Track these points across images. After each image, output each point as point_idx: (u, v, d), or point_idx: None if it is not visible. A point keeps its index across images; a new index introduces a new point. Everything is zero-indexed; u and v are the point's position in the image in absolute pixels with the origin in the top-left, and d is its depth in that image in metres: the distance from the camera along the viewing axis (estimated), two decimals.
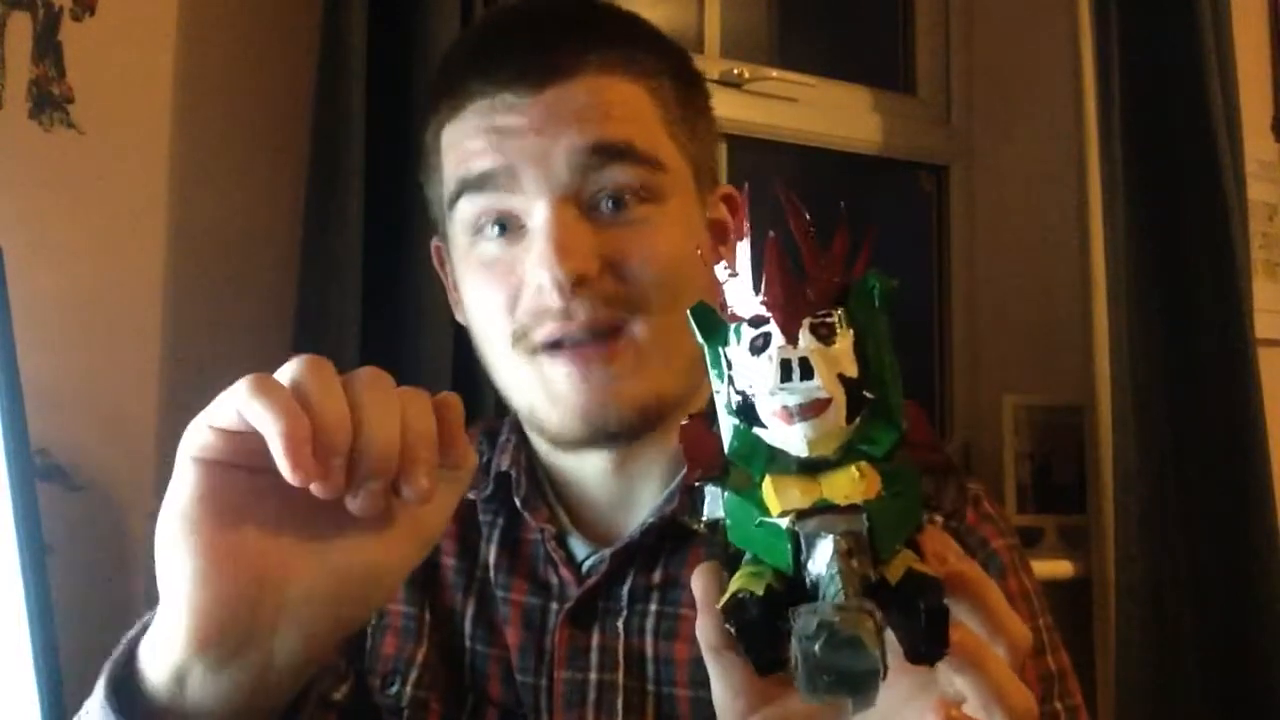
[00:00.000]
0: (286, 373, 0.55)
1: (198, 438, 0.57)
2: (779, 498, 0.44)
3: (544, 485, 0.87)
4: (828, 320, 0.43)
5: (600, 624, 0.82)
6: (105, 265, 1.25)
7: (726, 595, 0.45)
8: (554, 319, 0.77)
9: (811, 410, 0.42)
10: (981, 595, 0.49)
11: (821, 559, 0.43)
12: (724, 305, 0.46)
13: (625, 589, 0.82)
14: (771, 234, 0.44)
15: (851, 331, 0.43)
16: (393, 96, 1.27)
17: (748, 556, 0.46)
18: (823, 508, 0.43)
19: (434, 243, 0.92)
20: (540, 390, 0.80)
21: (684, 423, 0.49)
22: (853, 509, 0.43)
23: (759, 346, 0.43)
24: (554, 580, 0.84)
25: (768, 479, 0.44)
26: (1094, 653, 1.72)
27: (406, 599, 0.86)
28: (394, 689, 0.83)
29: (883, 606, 0.42)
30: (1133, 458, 1.70)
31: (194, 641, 0.55)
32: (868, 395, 0.43)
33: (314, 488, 0.52)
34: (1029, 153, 2.00)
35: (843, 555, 0.42)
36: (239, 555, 0.55)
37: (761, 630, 0.43)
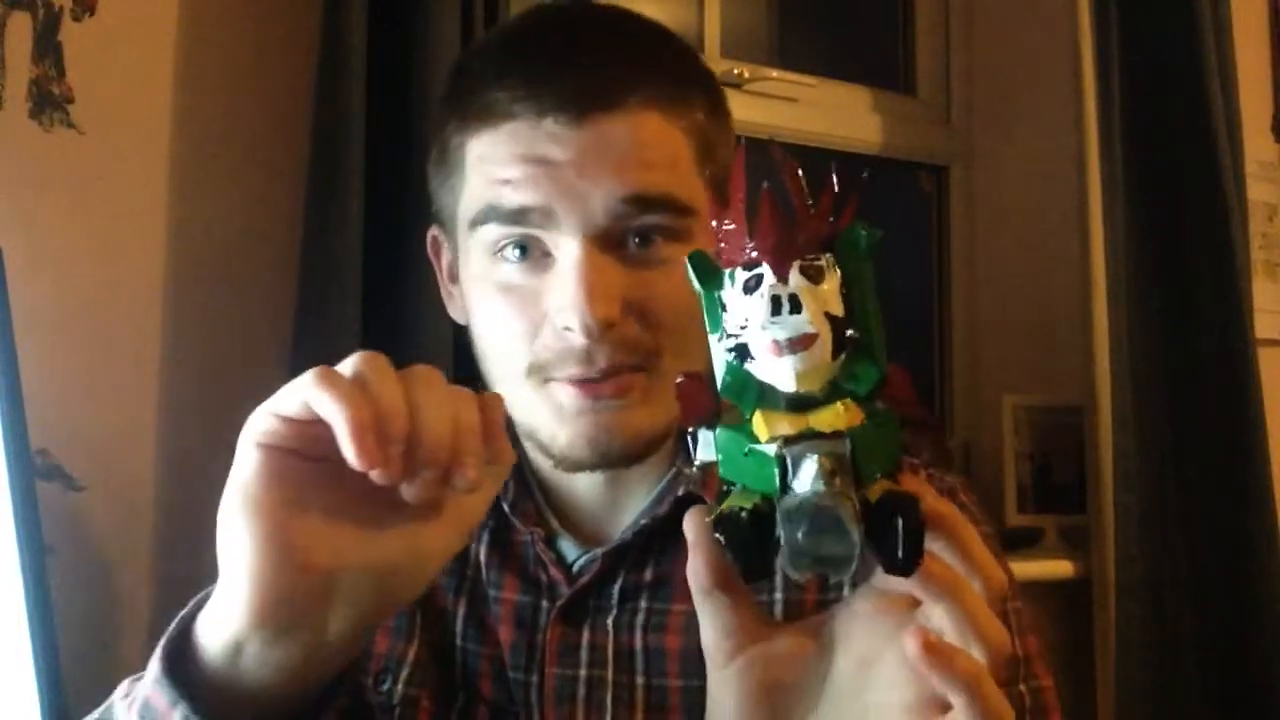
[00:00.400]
0: (349, 366, 0.58)
1: (261, 424, 0.59)
2: (768, 428, 0.47)
3: (532, 488, 0.88)
4: (816, 263, 0.46)
5: (591, 622, 0.83)
6: (105, 266, 1.25)
7: (716, 513, 0.48)
8: (576, 363, 0.77)
9: (800, 344, 0.45)
10: (958, 533, 0.51)
11: (806, 478, 0.46)
12: (720, 254, 0.49)
13: (616, 588, 0.83)
14: (765, 184, 0.47)
15: (838, 274, 0.47)
16: (393, 96, 1.27)
17: (736, 487, 0.49)
18: (809, 435, 0.46)
19: (431, 231, 0.91)
20: (548, 412, 0.80)
21: (679, 379, 0.51)
22: (836, 435, 0.46)
23: (751, 286, 0.46)
24: (544, 579, 0.85)
25: (757, 413, 0.47)
26: (1094, 653, 1.72)
27: None
28: (385, 686, 0.84)
29: (863, 523, 0.45)
30: (1133, 458, 1.70)
31: (254, 614, 0.57)
32: (852, 335, 0.46)
33: (374, 474, 0.55)
34: (1029, 153, 2.00)
35: (826, 473, 0.45)
36: (299, 535, 0.57)
37: (749, 538, 0.47)
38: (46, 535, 0.97)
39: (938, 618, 0.51)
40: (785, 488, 0.46)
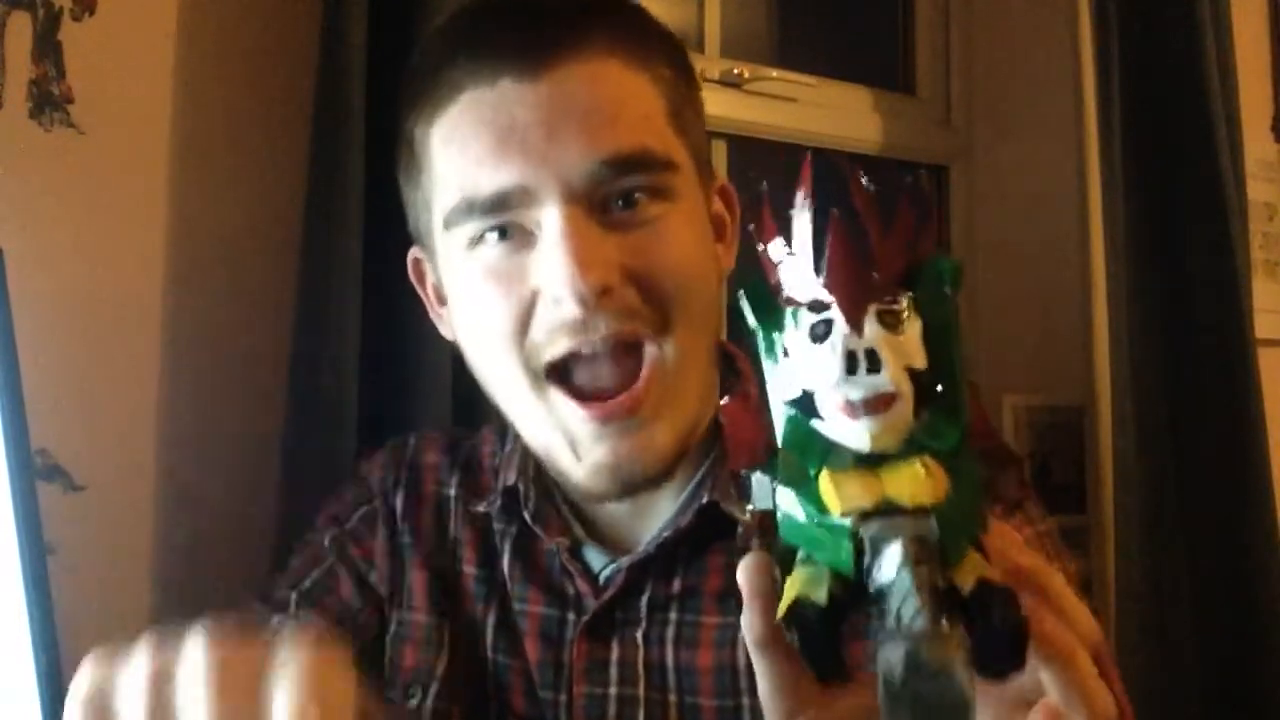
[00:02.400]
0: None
1: None
2: (839, 496, 0.41)
3: (555, 495, 0.84)
4: (895, 307, 0.41)
5: (619, 636, 0.79)
6: (105, 265, 1.25)
7: (786, 602, 0.42)
8: (570, 334, 0.73)
9: (878, 405, 0.40)
10: (1048, 589, 0.47)
11: (890, 566, 0.40)
12: (779, 286, 0.43)
13: (644, 600, 0.79)
14: (835, 211, 0.42)
15: (919, 320, 0.41)
16: (393, 96, 1.27)
17: (801, 554, 0.43)
18: (888, 509, 0.40)
19: (411, 255, 0.87)
20: (559, 435, 0.75)
21: (725, 402, 0.45)
22: (920, 512, 0.40)
23: (820, 334, 0.41)
24: (571, 591, 0.81)
25: (825, 473, 0.41)
26: None
27: (427, 609, 0.84)
28: (414, 700, 0.81)
29: (956, 617, 0.40)
30: (1133, 458, 1.70)
31: None
32: (936, 388, 0.41)
33: None
34: (1029, 153, 2.00)
35: (914, 564, 0.40)
36: None
37: (825, 640, 0.41)
38: (46, 535, 0.97)
39: (1044, 676, 0.46)
40: (861, 568, 0.41)
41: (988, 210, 2.07)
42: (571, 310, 0.72)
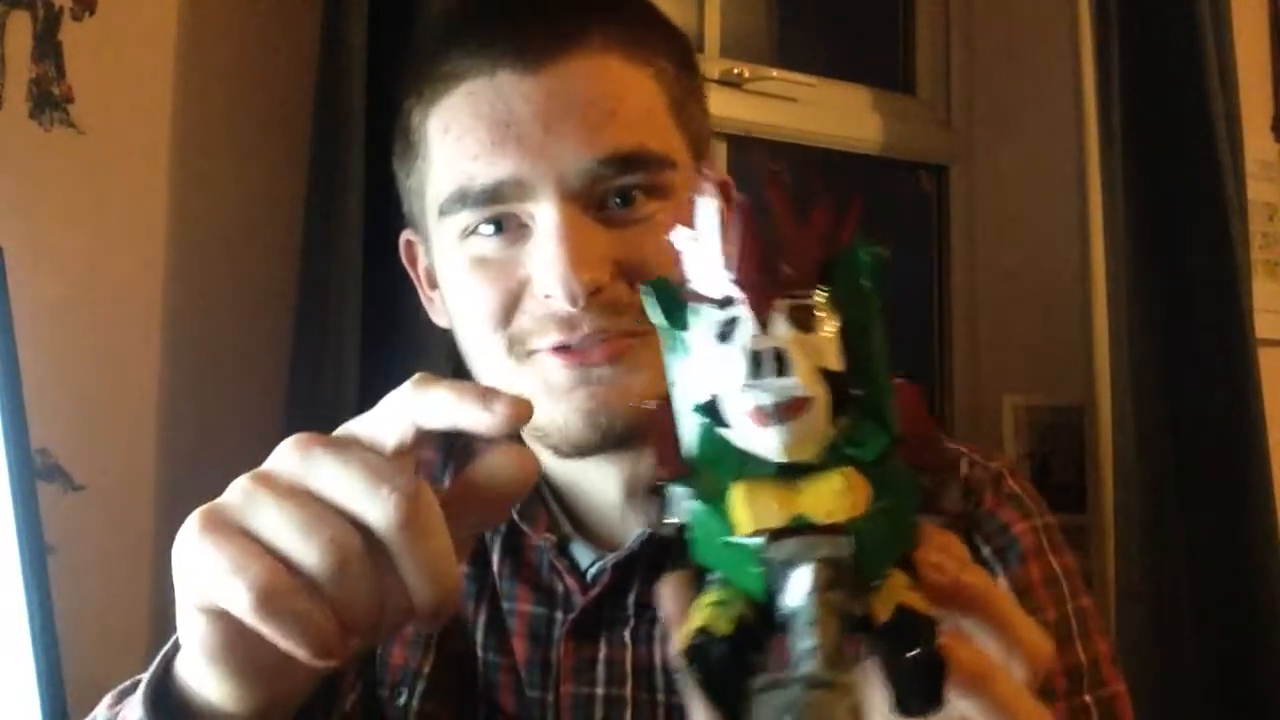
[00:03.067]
0: (305, 557, 0.47)
1: (198, 594, 0.50)
2: (750, 512, 0.37)
3: (542, 489, 0.83)
4: (807, 303, 0.37)
5: (607, 635, 0.78)
6: (105, 265, 1.25)
7: (687, 631, 0.38)
8: (559, 328, 0.72)
9: (788, 411, 0.36)
10: (989, 607, 0.43)
11: (797, 592, 0.36)
12: (685, 280, 0.40)
13: (632, 598, 0.78)
14: (742, 196, 0.38)
15: (835, 318, 0.38)
16: (393, 97, 1.27)
17: (714, 575, 0.39)
18: (800, 527, 0.37)
19: (404, 236, 0.86)
20: (540, 392, 0.74)
21: (652, 406, 0.42)
22: (835, 529, 0.37)
23: (726, 333, 0.37)
24: (559, 588, 0.80)
25: (737, 487, 0.38)
26: None
27: None
28: (401, 700, 0.80)
29: (868, 648, 0.37)
30: (1133, 458, 1.70)
31: (226, 708, 0.53)
32: (855, 392, 0.37)
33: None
34: (1029, 153, 2.00)
35: (820, 591, 0.36)
36: (263, 673, 0.51)
37: (728, 676, 0.37)
38: (46, 535, 0.97)
39: (965, 705, 0.42)
40: (771, 596, 0.37)
41: (988, 210, 2.07)
42: (562, 307, 0.72)
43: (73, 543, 1.15)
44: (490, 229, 0.74)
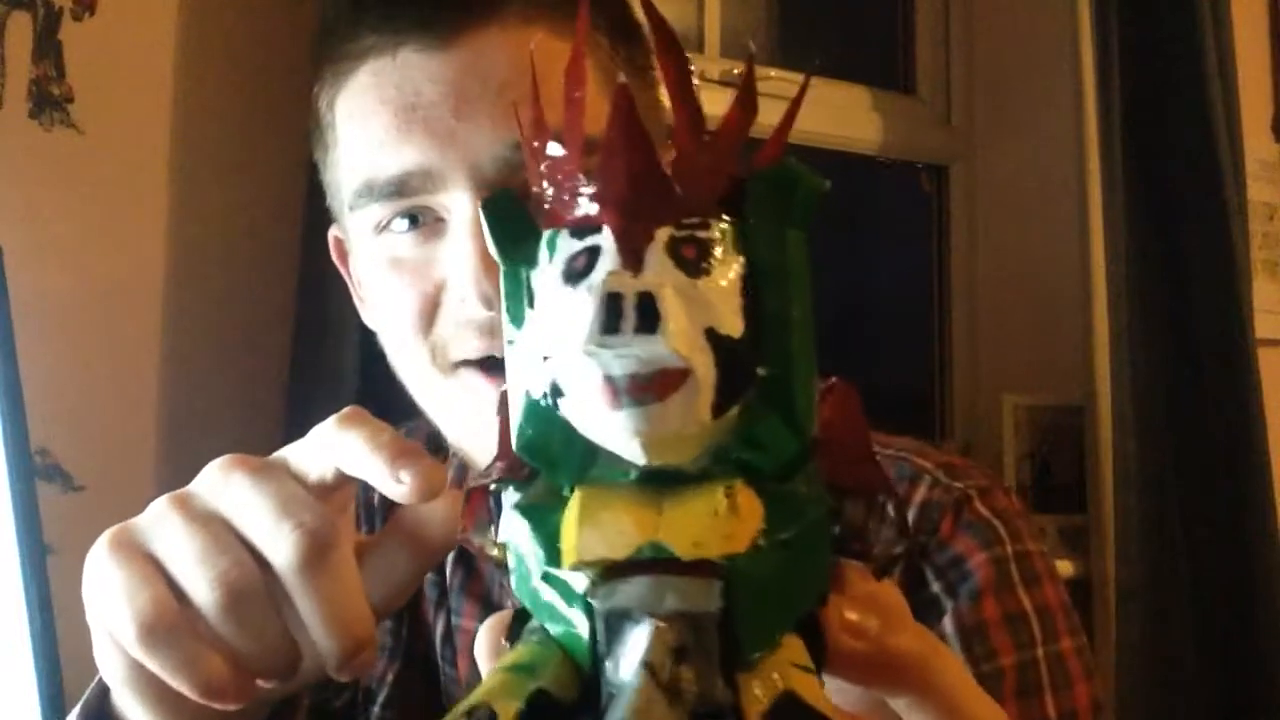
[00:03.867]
0: (195, 590, 0.44)
1: (106, 627, 0.46)
2: (581, 534, 0.25)
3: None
4: (701, 234, 0.26)
5: None
6: (105, 265, 1.25)
7: (460, 707, 0.26)
8: (481, 335, 0.65)
9: (651, 388, 0.25)
10: (927, 684, 0.32)
11: (630, 660, 0.24)
12: (539, 201, 0.28)
13: None
14: (621, 78, 0.29)
15: (741, 259, 0.26)
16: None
17: (531, 623, 0.28)
18: (653, 560, 0.25)
19: (331, 233, 0.79)
20: (471, 414, 0.66)
21: (502, 390, 0.30)
22: (703, 568, 0.25)
23: (579, 271, 0.26)
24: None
25: (576, 495, 0.26)
26: (1094, 653, 1.72)
27: None
28: (365, 706, 0.77)
29: None
30: (1133, 458, 1.70)
31: None
32: (758, 371, 0.26)
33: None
34: (1029, 153, 2.00)
35: (658, 664, 0.24)
36: (185, 708, 0.47)
37: None
38: (46, 535, 0.97)
39: None
40: (598, 662, 0.25)
41: (988, 210, 2.07)
42: (476, 309, 0.63)
43: (73, 543, 1.15)
44: (404, 224, 0.66)
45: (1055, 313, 1.92)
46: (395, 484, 0.44)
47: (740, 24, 1.95)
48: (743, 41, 1.93)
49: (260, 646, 0.43)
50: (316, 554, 0.43)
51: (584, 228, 0.26)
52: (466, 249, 0.63)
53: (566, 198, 0.27)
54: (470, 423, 0.67)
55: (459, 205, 0.64)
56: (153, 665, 0.43)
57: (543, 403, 0.27)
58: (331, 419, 0.47)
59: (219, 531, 0.44)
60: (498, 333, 0.59)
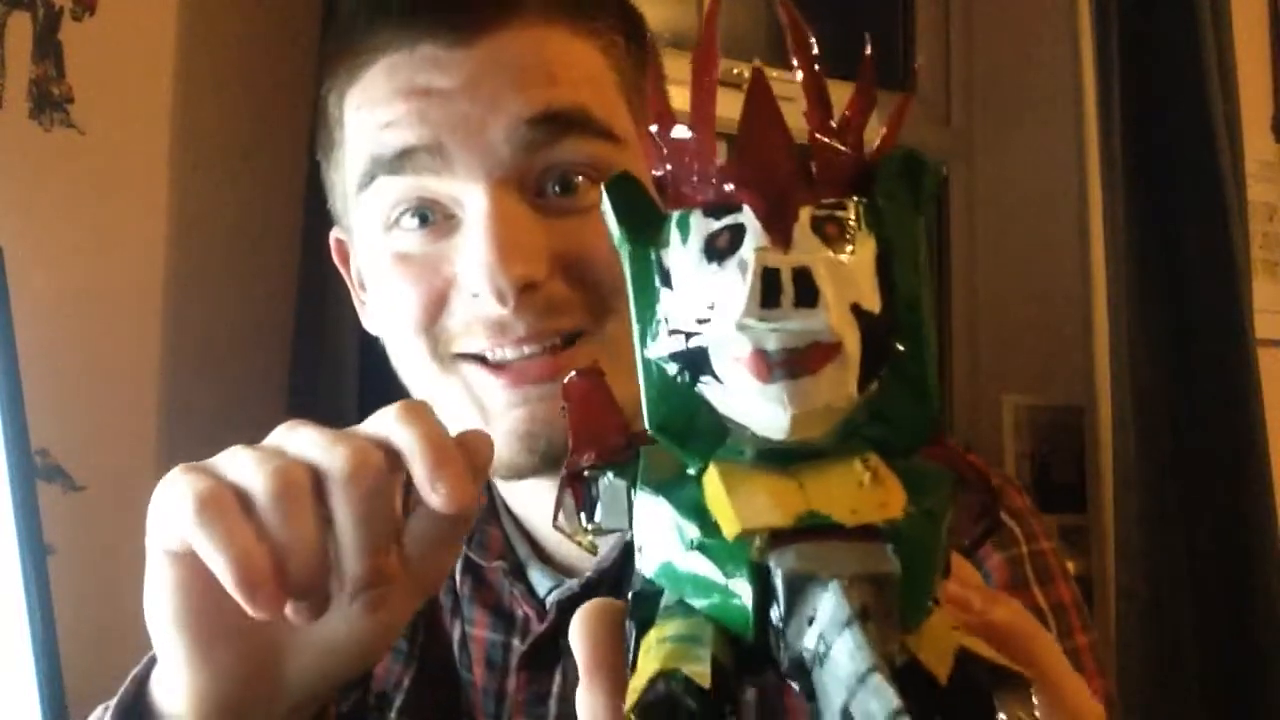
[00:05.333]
0: (250, 479, 0.47)
1: (161, 530, 0.49)
2: (737, 504, 0.25)
3: (498, 510, 0.77)
4: (839, 213, 0.26)
5: (564, 667, 0.70)
6: (105, 265, 1.25)
7: (639, 682, 0.25)
8: (488, 332, 0.64)
9: (807, 360, 0.25)
10: (1027, 654, 0.32)
11: (821, 623, 0.24)
12: (664, 183, 0.28)
13: None
14: (757, 63, 0.28)
15: (874, 238, 0.26)
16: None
17: (668, 600, 0.27)
18: (815, 528, 0.25)
19: (333, 235, 0.78)
20: (469, 407, 0.66)
21: (570, 378, 0.32)
22: (869, 534, 0.25)
23: (723, 248, 0.26)
24: (519, 613, 0.74)
25: (714, 470, 0.26)
26: None
27: None
28: (382, 712, 0.77)
29: (919, 716, 0.23)
30: (1133, 458, 1.70)
31: (197, 712, 0.52)
32: (895, 346, 0.26)
33: (288, 613, 0.47)
34: (1029, 153, 2.00)
35: (862, 620, 0.23)
36: (225, 640, 0.51)
37: None
38: (46, 535, 0.97)
39: None
40: (768, 630, 0.25)
41: (988, 210, 2.07)
42: (490, 306, 0.63)
43: (73, 543, 1.15)
44: (414, 221, 0.65)
45: (1055, 313, 1.92)
46: (430, 491, 0.46)
47: (740, 24, 1.95)
48: (744, 41, 1.93)
49: (299, 545, 0.45)
50: (365, 472, 0.46)
51: (720, 207, 0.26)
52: (483, 243, 0.62)
53: (696, 179, 0.27)
54: (468, 416, 0.66)
55: (473, 199, 0.63)
56: (201, 541, 0.45)
57: (678, 380, 0.27)
58: (393, 408, 0.49)
59: (280, 450, 0.48)
60: (506, 331, 0.62)
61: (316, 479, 0.47)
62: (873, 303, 0.26)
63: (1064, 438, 1.87)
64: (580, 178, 0.64)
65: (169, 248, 1.29)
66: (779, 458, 0.26)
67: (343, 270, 0.79)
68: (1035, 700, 0.25)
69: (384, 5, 0.67)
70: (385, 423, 0.49)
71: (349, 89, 0.68)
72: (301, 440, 0.49)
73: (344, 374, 1.23)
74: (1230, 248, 1.73)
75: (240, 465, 0.48)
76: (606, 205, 0.28)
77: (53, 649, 0.95)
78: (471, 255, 0.63)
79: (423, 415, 0.49)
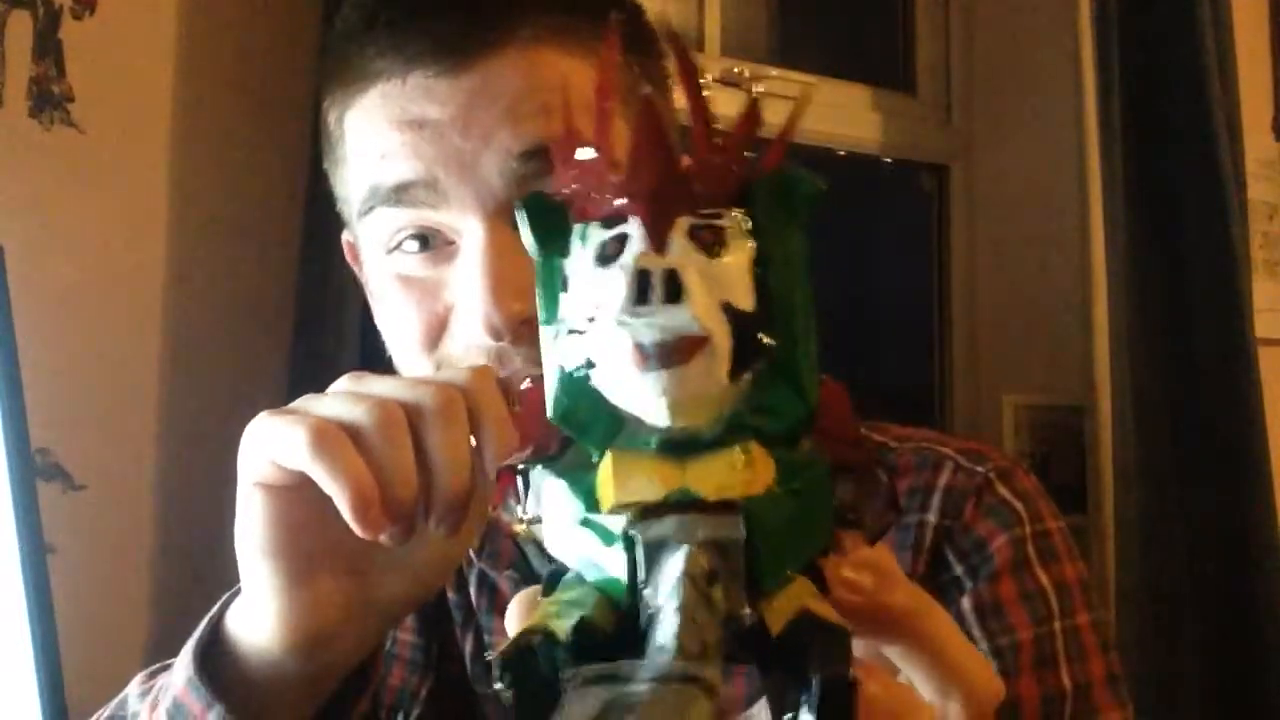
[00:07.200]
0: (352, 412, 0.51)
1: (259, 465, 0.52)
2: (618, 485, 0.29)
3: None
4: (717, 222, 0.29)
5: None
6: (105, 264, 1.25)
7: (507, 645, 0.29)
8: (485, 360, 0.64)
9: (676, 352, 0.28)
10: (918, 633, 0.36)
11: (667, 583, 0.28)
12: (570, 199, 0.32)
13: None
14: (648, 90, 0.32)
15: (751, 244, 0.30)
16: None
17: (568, 575, 0.31)
18: (681, 502, 0.29)
19: (345, 237, 0.78)
20: None
21: (524, 385, 0.35)
22: (726, 507, 0.29)
23: (610, 255, 0.29)
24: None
25: (608, 455, 0.30)
26: None
27: (416, 629, 0.80)
28: None
29: (754, 664, 0.29)
30: (1133, 458, 1.70)
31: (284, 645, 0.54)
32: (766, 340, 0.30)
33: (383, 538, 0.50)
34: (1029, 153, 2.00)
35: (695, 579, 0.27)
36: (320, 567, 0.54)
37: (549, 696, 0.27)
38: (46, 535, 0.97)
39: None
40: (636, 588, 0.29)
41: (988, 210, 2.07)
42: (482, 339, 0.64)
43: (73, 543, 1.15)
44: (415, 245, 0.66)
45: (1055, 313, 1.92)
46: (490, 441, 0.50)
47: (740, 23, 1.95)
48: (744, 41, 1.93)
49: (400, 472, 0.49)
50: (454, 408, 0.50)
51: (613, 219, 0.30)
52: (477, 279, 0.63)
53: (596, 195, 0.31)
54: None
55: (469, 231, 0.64)
56: (321, 468, 0.49)
57: (576, 374, 0.30)
58: (466, 369, 0.54)
59: (368, 391, 0.52)
60: (504, 360, 0.63)
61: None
62: (745, 302, 0.29)
63: (1064, 438, 1.87)
64: None
65: (169, 246, 1.29)
66: (676, 448, 0.30)
67: (355, 268, 0.79)
68: (854, 650, 0.29)
69: (374, 33, 0.66)
70: (458, 375, 0.53)
71: (347, 110, 0.68)
72: (385, 383, 0.52)
73: (344, 372, 1.23)
74: (1230, 248, 1.73)
75: (337, 404, 0.51)
76: (520, 219, 0.32)
77: (53, 649, 0.94)
78: (467, 289, 0.64)
79: (483, 390, 0.52)
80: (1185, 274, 1.74)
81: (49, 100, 1.22)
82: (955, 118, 2.09)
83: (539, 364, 0.64)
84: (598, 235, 0.30)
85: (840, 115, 1.95)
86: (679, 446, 0.30)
